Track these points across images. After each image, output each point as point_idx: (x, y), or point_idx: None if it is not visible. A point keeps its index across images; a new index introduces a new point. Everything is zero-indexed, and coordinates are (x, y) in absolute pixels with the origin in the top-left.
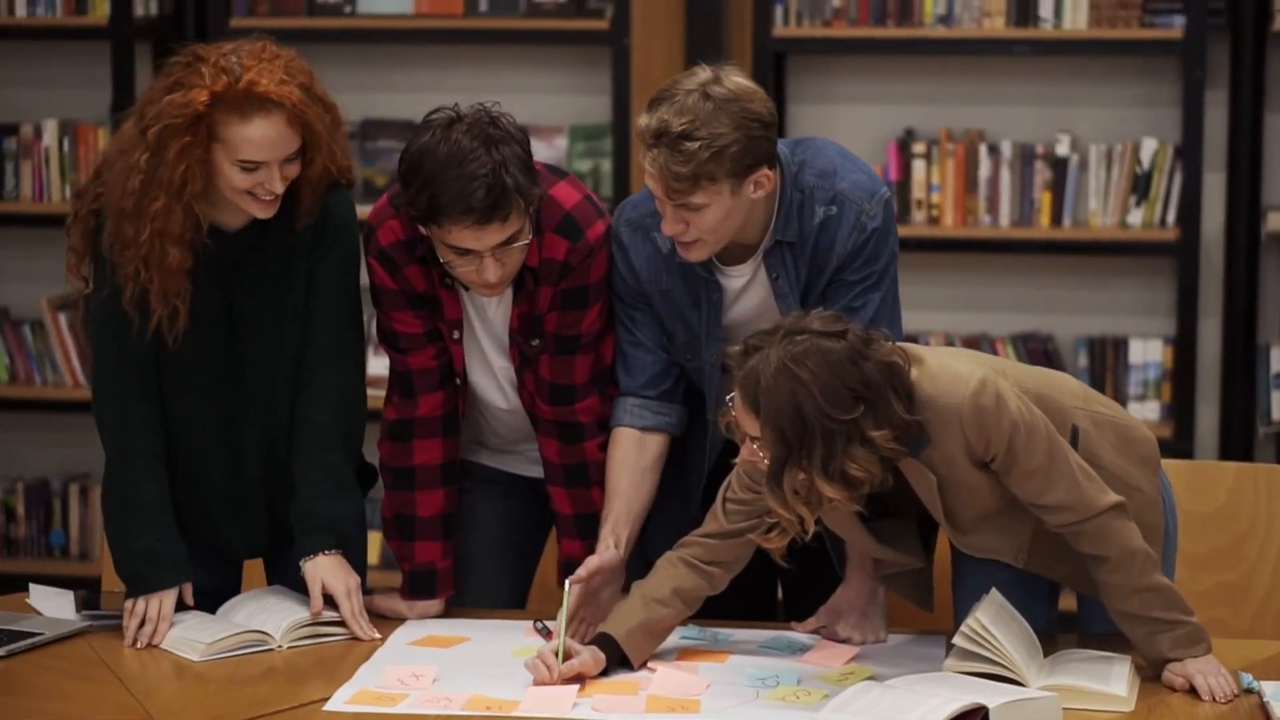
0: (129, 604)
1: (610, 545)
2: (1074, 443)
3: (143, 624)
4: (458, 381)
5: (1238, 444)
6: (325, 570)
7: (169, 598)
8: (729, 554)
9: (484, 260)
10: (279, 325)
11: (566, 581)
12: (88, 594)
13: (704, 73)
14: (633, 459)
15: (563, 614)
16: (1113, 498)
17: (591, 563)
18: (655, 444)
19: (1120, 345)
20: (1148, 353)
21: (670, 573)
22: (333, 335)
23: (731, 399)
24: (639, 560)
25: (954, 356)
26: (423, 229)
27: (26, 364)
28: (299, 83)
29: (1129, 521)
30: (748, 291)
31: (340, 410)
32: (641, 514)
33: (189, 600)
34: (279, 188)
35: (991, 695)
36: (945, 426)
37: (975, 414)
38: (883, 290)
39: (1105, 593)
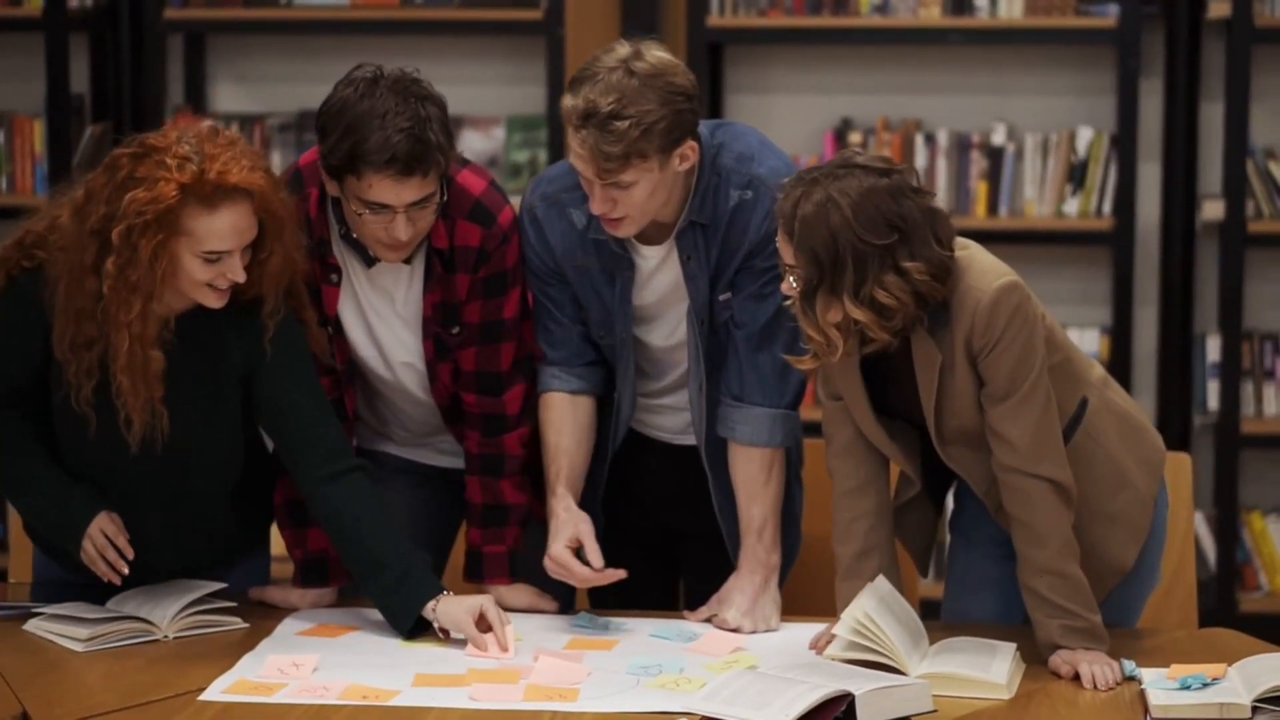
0: (83, 558)
1: (571, 503)
2: (1079, 414)
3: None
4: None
5: (1175, 434)
6: (462, 606)
7: (104, 522)
8: (869, 503)
9: (396, 217)
10: (201, 430)
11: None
12: None
13: (623, 48)
14: (570, 418)
15: None
16: (1062, 474)
17: (567, 534)
18: (586, 406)
19: None
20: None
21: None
22: (325, 424)
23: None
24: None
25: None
26: (330, 186)
27: None
28: (263, 169)
29: (1064, 507)
30: (660, 271)
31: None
32: (583, 475)
33: (121, 530)
34: (241, 276)
35: (859, 683)
36: (962, 308)
37: (992, 304)
38: None
39: (1019, 563)
